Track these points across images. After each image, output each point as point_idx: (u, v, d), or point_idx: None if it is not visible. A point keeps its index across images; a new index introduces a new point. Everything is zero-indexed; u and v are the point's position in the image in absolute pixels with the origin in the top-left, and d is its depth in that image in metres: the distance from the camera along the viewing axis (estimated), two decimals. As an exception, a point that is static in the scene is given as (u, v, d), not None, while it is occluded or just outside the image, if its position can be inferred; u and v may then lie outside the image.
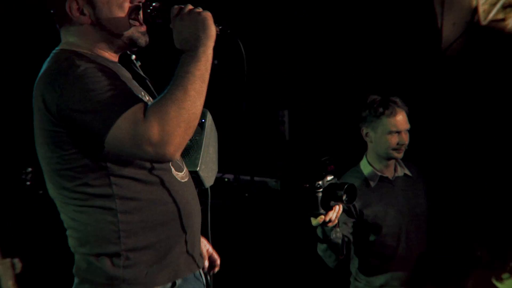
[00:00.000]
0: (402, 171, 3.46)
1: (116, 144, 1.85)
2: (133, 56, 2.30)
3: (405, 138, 3.29)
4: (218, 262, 2.51)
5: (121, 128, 1.80)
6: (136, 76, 2.25)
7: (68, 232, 2.09)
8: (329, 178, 2.78)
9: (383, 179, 3.36)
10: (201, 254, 2.30)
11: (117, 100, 1.85)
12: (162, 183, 2.07)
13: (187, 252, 2.14)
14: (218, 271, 2.60)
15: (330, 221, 2.75)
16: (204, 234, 2.55)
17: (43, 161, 2.06)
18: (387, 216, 3.29)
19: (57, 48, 2.08)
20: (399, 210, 3.34)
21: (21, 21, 5.12)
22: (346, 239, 3.12)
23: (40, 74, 2.01)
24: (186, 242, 2.12)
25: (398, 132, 3.27)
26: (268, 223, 4.80)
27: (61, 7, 2.03)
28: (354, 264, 3.45)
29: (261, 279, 4.60)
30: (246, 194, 4.78)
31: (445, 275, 3.58)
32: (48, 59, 2.06)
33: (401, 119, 3.31)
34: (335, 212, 2.74)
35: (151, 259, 2.04)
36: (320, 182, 2.74)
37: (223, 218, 3.42)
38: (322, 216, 2.72)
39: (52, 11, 2.12)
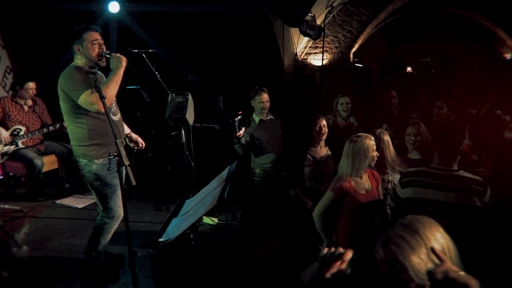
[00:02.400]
0: (270, 116, 3.92)
1: (81, 103, 2.58)
2: (134, 70, 2.89)
3: (267, 105, 3.84)
4: (140, 141, 3.23)
5: (82, 98, 2.56)
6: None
7: (69, 136, 2.79)
8: (239, 117, 3.48)
9: (262, 121, 3.86)
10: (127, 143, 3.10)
11: (81, 86, 2.56)
12: (106, 120, 2.59)
13: (117, 146, 2.53)
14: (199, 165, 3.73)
15: (240, 134, 3.47)
16: (188, 149, 3.73)
17: (62, 106, 2.72)
18: (264, 135, 3.78)
19: (72, 64, 2.77)
20: (269, 133, 3.83)
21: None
22: (245, 142, 3.62)
23: (62, 73, 2.68)
24: (116, 142, 2.48)
25: (263, 102, 3.81)
26: (215, 144, 5.23)
27: (72, 46, 2.73)
28: (252, 156, 3.90)
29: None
30: (206, 131, 5.37)
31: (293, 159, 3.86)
32: (67, 68, 2.73)
33: (265, 96, 3.82)
34: (242, 131, 3.50)
35: (100, 148, 2.72)
36: (236, 119, 3.45)
37: (196, 140, 3.87)
38: (238, 132, 3.46)
39: (70, 48, 2.75)
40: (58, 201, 4.82)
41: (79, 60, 2.76)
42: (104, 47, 2.78)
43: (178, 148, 3.89)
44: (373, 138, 2.67)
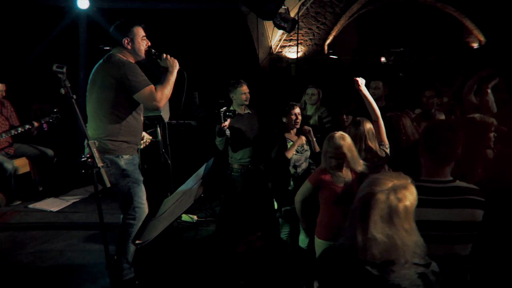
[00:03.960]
0: (247, 110, 3.85)
1: (139, 98, 2.55)
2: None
3: (249, 96, 3.76)
4: (146, 136, 3.11)
5: (145, 92, 2.53)
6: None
7: (95, 129, 2.61)
8: (224, 108, 3.48)
9: (239, 114, 3.75)
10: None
11: (144, 80, 2.53)
12: (138, 120, 2.73)
13: (136, 146, 2.77)
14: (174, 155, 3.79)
15: (225, 126, 3.42)
16: (165, 146, 3.93)
17: (102, 95, 2.56)
18: (242, 128, 3.71)
19: (111, 53, 2.64)
20: (246, 127, 3.76)
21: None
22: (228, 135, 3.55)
23: (104, 61, 2.58)
24: (137, 142, 2.77)
25: (245, 93, 3.74)
26: (191, 140, 5.27)
27: (120, 40, 2.62)
28: (229, 151, 3.83)
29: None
30: (182, 128, 5.16)
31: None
32: (107, 56, 2.60)
33: (246, 88, 3.76)
34: (227, 122, 3.44)
35: (126, 145, 2.64)
36: (221, 109, 3.42)
37: (172, 137, 4.11)
38: (224, 122, 3.40)
39: (112, 40, 2.67)
40: (31, 206, 4.64)
41: (123, 54, 2.66)
42: (149, 43, 2.74)
43: (154, 146, 3.83)
44: (347, 139, 2.62)
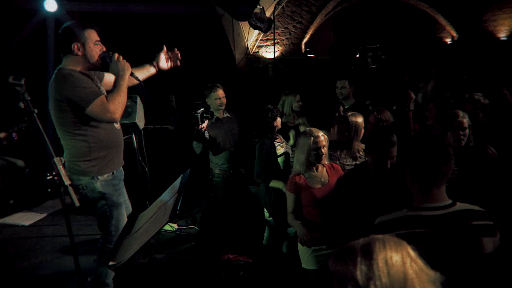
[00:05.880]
0: (226, 114, 3.77)
1: (91, 113, 2.30)
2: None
3: (224, 100, 3.68)
4: None
5: (95, 105, 2.28)
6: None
7: (65, 151, 2.43)
8: (201, 109, 3.37)
9: (218, 119, 3.69)
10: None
11: (91, 92, 2.29)
12: (110, 129, 2.48)
13: (118, 159, 2.57)
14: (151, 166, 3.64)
15: (202, 128, 3.33)
16: (141, 154, 3.67)
17: (57, 116, 2.34)
18: (221, 133, 3.64)
19: (60, 66, 2.39)
20: (226, 131, 3.70)
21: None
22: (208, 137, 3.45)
23: (53, 77, 2.33)
24: (117, 155, 2.55)
25: (220, 98, 3.66)
26: (169, 145, 5.05)
27: (69, 45, 2.34)
28: (210, 156, 3.76)
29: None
30: (159, 133, 5.12)
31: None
32: (56, 71, 2.36)
33: (221, 92, 3.67)
34: (205, 124, 3.36)
35: (103, 162, 2.43)
36: (198, 110, 3.32)
37: (149, 142, 3.89)
38: (201, 124, 3.31)
39: (61, 46, 2.39)
40: (0, 220, 4.40)
41: (74, 62, 2.38)
42: (104, 48, 2.46)
43: (130, 155, 3.65)
44: (319, 133, 2.57)
